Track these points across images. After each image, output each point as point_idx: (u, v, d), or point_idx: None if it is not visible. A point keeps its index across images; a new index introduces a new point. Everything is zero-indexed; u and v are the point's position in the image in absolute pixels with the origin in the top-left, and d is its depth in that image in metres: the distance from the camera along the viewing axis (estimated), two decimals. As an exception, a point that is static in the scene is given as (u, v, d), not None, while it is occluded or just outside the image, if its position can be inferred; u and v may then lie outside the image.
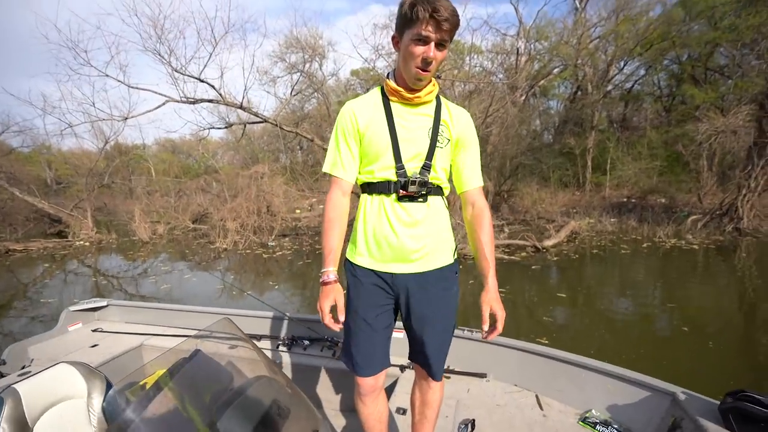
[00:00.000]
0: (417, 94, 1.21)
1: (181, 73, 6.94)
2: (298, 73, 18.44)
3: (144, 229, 11.31)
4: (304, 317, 2.59)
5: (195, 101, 7.39)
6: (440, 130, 1.24)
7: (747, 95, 10.79)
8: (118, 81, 7.21)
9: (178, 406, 1.02)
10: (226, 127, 8.69)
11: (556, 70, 17.82)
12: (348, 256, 1.35)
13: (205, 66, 6.80)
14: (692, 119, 12.71)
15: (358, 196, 1.35)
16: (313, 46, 17.75)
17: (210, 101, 7.52)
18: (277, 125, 8.17)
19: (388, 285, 1.27)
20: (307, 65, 18.50)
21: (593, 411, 1.77)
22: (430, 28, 1.05)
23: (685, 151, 12.94)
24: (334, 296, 1.21)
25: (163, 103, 7.25)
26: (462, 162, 1.32)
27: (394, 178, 1.22)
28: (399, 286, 1.26)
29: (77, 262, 9.35)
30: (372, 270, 1.27)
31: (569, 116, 17.75)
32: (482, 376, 2.08)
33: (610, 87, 17.66)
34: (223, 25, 7.26)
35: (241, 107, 7.62)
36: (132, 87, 7.19)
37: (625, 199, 14.14)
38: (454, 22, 1.07)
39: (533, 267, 7.02)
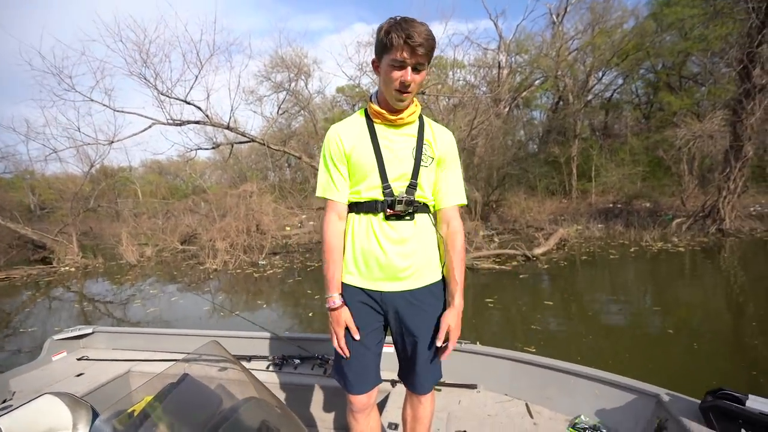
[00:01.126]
0: (400, 116, 1.24)
1: (167, 96, 6.95)
2: (285, 92, 18.65)
3: (131, 252, 11.12)
4: (294, 336, 2.57)
5: (181, 123, 7.39)
6: (424, 149, 1.27)
7: (720, 101, 11.21)
8: (104, 105, 7.20)
9: None
10: (213, 148, 8.68)
11: (537, 82, 18.29)
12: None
13: (191, 88, 6.82)
14: (670, 125, 13.12)
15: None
16: (299, 65, 17.99)
17: (197, 123, 7.52)
18: (264, 144, 8.19)
19: (377, 303, 1.29)
20: (293, 84, 18.74)
21: (582, 417, 1.80)
22: (405, 54, 1.10)
23: (666, 156, 13.30)
24: (344, 320, 1.23)
25: (149, 126, 7.23)
26: (442, 180, 1.33)
27: (381, 197, 1.24)
28: (388, 304, 1.28)
29: (62, 288, 9.13)
30: (361, 288, 1.28)
31: (552, 126, 18.15)
32: (473, 387, 2.09)
33: (590, 96, 18.16)
34: (209, 48, 7.35)
35: (228, 128, 7.64)
36: (117, 111, 7.18)
37: (611, 205, 14.39)
38: (429, 46, 1.10)
39: (521, 276, 7.07)
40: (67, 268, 10.94)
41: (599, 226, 11.62)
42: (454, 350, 2.19)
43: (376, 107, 1.25)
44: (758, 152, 10.99)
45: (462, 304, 1.28)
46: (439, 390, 2.10)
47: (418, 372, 1.32)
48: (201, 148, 8.36)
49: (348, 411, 1.37)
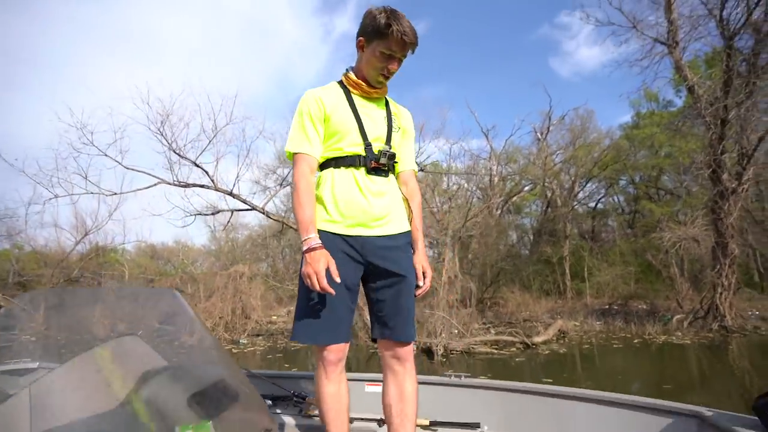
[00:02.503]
0: (376, 89, 1.38)
1: (179, 155, 7.36)
2: (289, 186, 19.72)
3: (104, 326, 10.36)
4: (267, 373, 2.29)
5: (186, 185, 7.66)
6: (393, 118, 1.42)
7: (697, 209, 11.93)
8: (116, 161, 7.55)
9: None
10: (213, 213, 8.84)
11: (527, 188, 19.58)
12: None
13: (201, 153, 7.28)
14: (655, 230, 13.68)
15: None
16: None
17: (201, 186, 7.81)
18: (264, 213, 8.38)
19: (357, 253, 1.29)
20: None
21: None
22: (397, 48, 1.24)
23: (655, 260, 13.54)
24: (325, 259, 1.17)
25: (155, 184, 7.49)
26: (403, 147, 1.49)
27: (363, 153, 1.32)
28: (368, 250, 1.29)
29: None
30: (342, 236, 1.29)
31: (543, 228, 18.84)
32: (475, 426, 1.78)
33: (576, 204, 19.28)
34: (226, 117, 8.04)
35: (230, 194, 7.90)
36: (128, 168, 7.52)
37: (607, 306, 14.09)
38: (416, 44, 1.28)
39: (518, 359, 6.60)
40: (28, 337, 10.03)
41: (597, 323, 11.23)
42: (451, 385, 2.02)
43: (354, 77, 1.36)
44: (744, 254, 11.28)
45: (424, 247, 1.45)
46: (435, 430, 1.79)
47: (406, 314, 1.31)
48: (201, 213, 8.48)
49: (319, 372, 1.28)
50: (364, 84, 1.34)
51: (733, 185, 9.45)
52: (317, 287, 1.14)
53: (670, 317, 10.88)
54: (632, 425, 1.54)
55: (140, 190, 7.52)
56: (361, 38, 1.30)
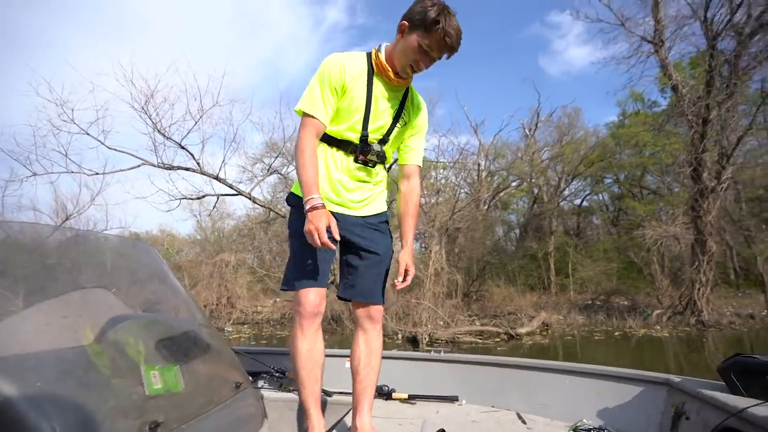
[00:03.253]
0: (399, 79, 1.34)
1: (164, 135, 7.17)
2: (276, 174, 19.49)
3: (70, 274, 10.11)
4: (247, 349, 2.28)
5: (171, 167, 7.49)
6: (402, 113, 1.40)
7: (678, 208, 12.23)
8: (98, 141, 7.29)
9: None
10: (198, 198, 8.68)
11: (514, 184, 19.77)
12: (297, 191, 1.37)
13: (187, 134, 7.10)
14: (637, 227, 13.98)
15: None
16: (292, 153, 19.16)
17: (187, 169, 7.65)
18: (250, 198, 8.28)
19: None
20: (284, 169, 19.72)
21: (584, 420, 1.55)
22: (435, 46, 1.21)
23: (637, 257, 13.84)
24: (326, 218, 1.20)
25: (139, 165, 7.30)
26: (412, 141, 1.49)
27: (356, 141, 1.33)
28: (343, 226, 1.33)
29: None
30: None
31: (529, 223, 19.08)
32: (453, 399, 1.81)
33: (562, 201, 19.56)
34: (213, 99, 7.86)
35: (216, 178, 7.77)
36: (110, 148, 7.27)
37: (590, 301, 14.38)
38: (456, 50, 1.24)
39: (500, 349, 6.69)
40: None
41: (579, 317, 11.46)
42: (431, 360, 2.06)
43: (383, 61, 1.31)
44: (722, 253, 11.60)
45: (413, 245, 1.49)
46: (414, 404, 1.82)
47: (374, 281, 1.39)
48: (186, 198, 8.32)
49: (294, 329, 1.32)
50: (390, 70, 1.30)
51: (713, 184, 9.70)
52: (318, 243, 1.17)
53: (650, 312, 11.16)
54: (605, 393, 1.58)
55: (124, 171, 7.33)
56: (404, 22, 1.25)
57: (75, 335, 0.86)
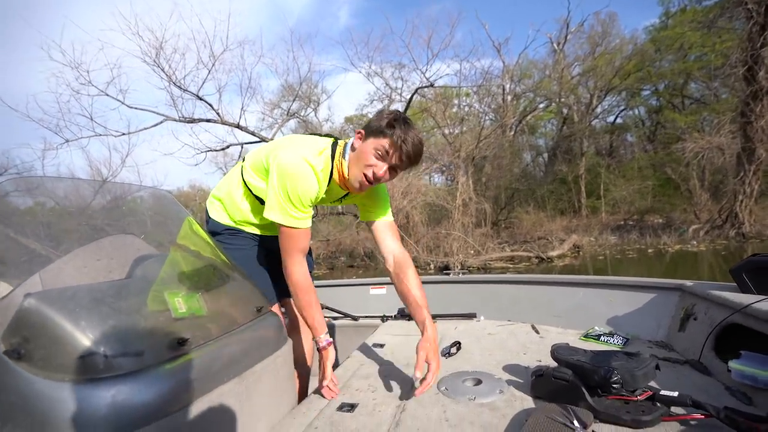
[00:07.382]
0: (351, 194, 1.29)
1: (180, 87, 7.10)
2: (294, 119, 19.17)
3: (98, 221, 11.04)
4: None
5: (192, 120, 7.50)
6: (348, 195, 1.35)
7: (725, 117, 11.26)
8: (118, 101, 7.29)
9: None
10: (223, 149, 8.78)
11: (541, 106, 18.67)
12: (222, 221, 1.36)
13: (203, 84, 6.99)
14: (677, 141, 13.13)
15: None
16: (309, 96, 18.62)
17: (207, 121, 7.65)
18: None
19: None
20: (303, 112, 19.30)
21: (596, 327, 1.57)
22: (393, 152, 1.09)
23: (674, 173, 13.18)
24: (332, 356, 1.24)
25: (161, 122, 7.35)
26: (366, 201, 1.35)
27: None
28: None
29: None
30: (258, 234, 1.40)
31: (558, 147, 18.30)
32: (471, 316, 1.88)
33: (594, 119, 18.42)
34: (222, 44, 7.47)
35: (238, 126, 7.75)
36: (131, 107, 7.27)
37: (622, 222, 14.12)
38: (415, 163, 1.14)
39: (531, 273, 6.79)
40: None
41: (611, 238, 11.34)
42: (450, 282, 2.11)
43: (343, 172, 1.18)
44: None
45: (435, 333, 1.16)
46: (434, 322, 1.89)
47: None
48: (211, 150, 8.42)
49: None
50: (344, 186, 1.22)
51: (769, 84, 8.79)
52: (331, 382, 1.18)
53: (686, 228, 10.88)
54: (618, 302, 1.61)
55: (147, 128, 7.41)
56: (361, 131, 1.16)
57: (109, 274, 0.96)
